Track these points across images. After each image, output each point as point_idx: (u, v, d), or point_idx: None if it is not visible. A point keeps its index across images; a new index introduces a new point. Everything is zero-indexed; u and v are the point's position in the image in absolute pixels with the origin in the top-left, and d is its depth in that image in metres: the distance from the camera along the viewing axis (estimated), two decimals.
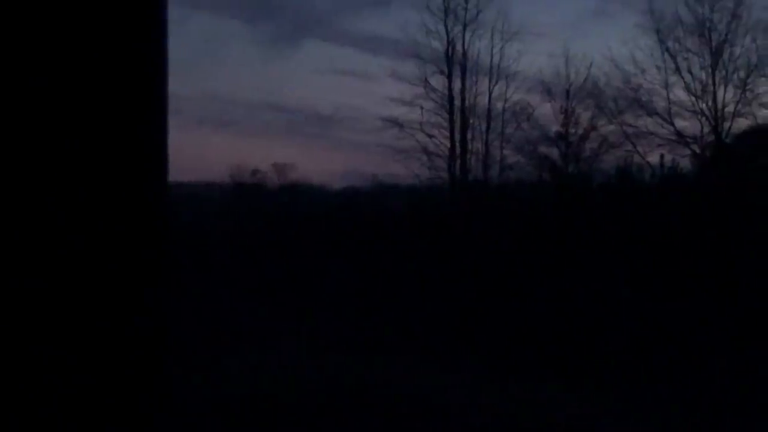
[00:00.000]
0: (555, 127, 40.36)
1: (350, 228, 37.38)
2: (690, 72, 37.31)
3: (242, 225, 39.51)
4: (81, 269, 1.83)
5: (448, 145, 41.45)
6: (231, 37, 69.19)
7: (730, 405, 18.14)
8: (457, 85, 41.50)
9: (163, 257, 1.98)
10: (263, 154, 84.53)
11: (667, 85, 37.70)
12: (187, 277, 28.99)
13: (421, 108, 40.96)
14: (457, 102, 41.42)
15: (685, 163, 38.51)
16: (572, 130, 39.92)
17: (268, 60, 66.80)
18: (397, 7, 71.25)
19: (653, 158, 38.39)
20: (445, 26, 41.26)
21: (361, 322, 28.68)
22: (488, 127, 41.55)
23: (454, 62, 41.36)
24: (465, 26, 41.28)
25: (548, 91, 40.15)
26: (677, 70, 37.42)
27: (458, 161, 41.48)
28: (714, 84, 36.99)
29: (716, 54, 36.90)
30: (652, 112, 37.85)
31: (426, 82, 41.05)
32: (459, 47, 41.40)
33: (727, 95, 37.02)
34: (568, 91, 39.90)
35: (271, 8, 64.11)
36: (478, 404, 18.80)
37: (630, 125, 38.30)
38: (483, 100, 41.70)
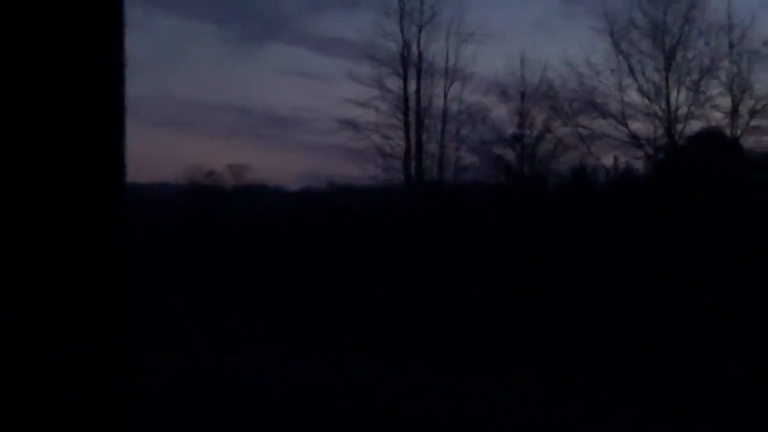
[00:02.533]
0: (510, 129, 40.56)
1: (306, 229, 37.30)
2: (644, 74, 37.57)
3: (197, 226, 39.33)
4: (39, 270, 1.83)
5: (404, 146, 41.55)
6: (194, 37, 69.17)
7: (687, 404, 18.27)
8: (412, 86, 41.60)
9: (121, 257, 1.98)
10: (221, 155, 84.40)
11: (621, 88, 37.95)
12: (140, 278, 28.77)
13: (376, 109, 41.05)
14: (413, 103, 41.49)
15: (639, 165, 38.80)
16: (527, 132, 40.11)
17: (229, 61, 66.74)
18: (362, 9, 71.53)
19: (607, 160, 38.67)
20: (401, 28, 41.33)
21: (319, 323, 28.64)
22: (443, 129, 41.66)
23: (409, 64, 41.44)
24: (420, 28, 41.37)
25: (503, 93, 40.33)
26: (631, 72, 37.66)
27: (413, 162, 41.56)
28: (667, 86, 37.28)
29: (669, 56, 37.18)
30: (606, 114, 38.07)
31: (381, 84, 41.13)
32: (414, 49, 41.50)
33: (680, 97, 37.35)
34: (523, 93, 40.08)
35: (236, 9, 64.09)
36: (431, 400, 18.86)
37: (584, 127, 38.50)
38: (438, 102, 41.83)
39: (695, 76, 37.14)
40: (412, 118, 41.45)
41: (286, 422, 17.09)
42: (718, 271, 27.87)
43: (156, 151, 57.89)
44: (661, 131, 37.49)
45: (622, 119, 37.80)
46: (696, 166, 36.45)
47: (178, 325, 27.67)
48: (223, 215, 40.49)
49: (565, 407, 18.38)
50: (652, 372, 21.40)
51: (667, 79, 37.25)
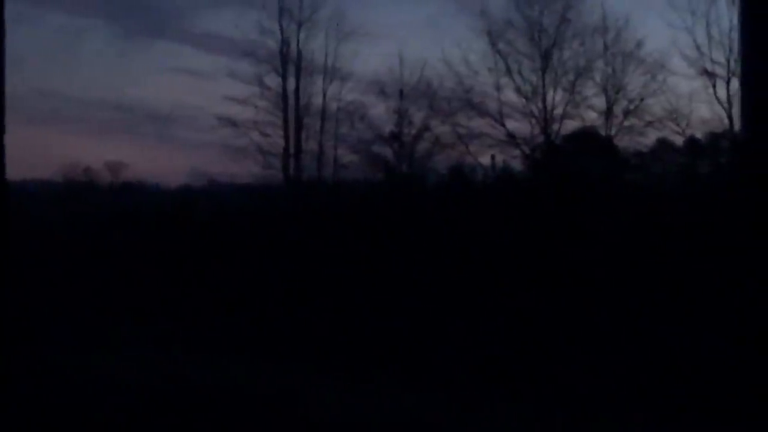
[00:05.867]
0: (389, 127, 40.68)
1: (182, 227, 37.00)
2: (521, 74, 37.94)
3: (73, 223, 38.77)
4: None
5: (283, 144, 41.39)
6: (81, 34, 68.37)
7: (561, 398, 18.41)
8: (292, 84, 41.49)
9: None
10: (100, 152, 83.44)
11: (498, 87, 38.26)
12: (16, 277, 28.26)
13: (255, 107, 40.86)
14: (292, 101, 41.38)
15: (516, 164, 39.19)
16: (405, 131, 40.27)
17: (113, 58, 66.05)
18: (247, 6, 71.14)
19: (485, 159, 38.97)
20: (280, 25, 41.18)
21: (189, 322, 28.42)
22: (322, 127, 41.63)
23: (289, 61, 41.31)
24: (300, 25, 41.26)
25: (382, 92, 40.44)
26: (508, 72, 37.99)
27: (292, 160, 41.44)
28: (544, 86, 37.72)
29: (546, 57, 37.63)
30: (484, 113, 38.34)
31: (261, 81, 40.93)
32: (294, 46, 41.38)
33: (556, 97, 37.80)
34: (401, 92, 40.23)
35: (124, 6, 63.43)
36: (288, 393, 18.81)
37: (462, 126, 38.75)
38: (317, 100, 41.78)
39: (571, 76, 37.69)
40: (291, 116, 41.36)
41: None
42: (594, 266, 28.27)
43: (34, 148, 56.95)
44: (537, 131, 37.91)
45: (499, 118, 38.14)
46: (571, 166, 36.93)
47: (44, 323, 27.25)
48: (98, 212, 39.93)
49: (433, 404, 18.42)
50: (534, 367, 21.55)
51: (543, 79, 37.71)
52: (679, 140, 37.20)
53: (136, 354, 24.19)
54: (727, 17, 34.93)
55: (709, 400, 16.03)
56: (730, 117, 34.66)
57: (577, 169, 36.63)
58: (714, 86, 35.07)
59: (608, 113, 37.06)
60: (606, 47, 37.27)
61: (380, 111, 41.29)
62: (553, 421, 16.07)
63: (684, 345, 21.06)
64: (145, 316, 29.37)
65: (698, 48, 35.28)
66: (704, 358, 19.40)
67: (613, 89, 37.09)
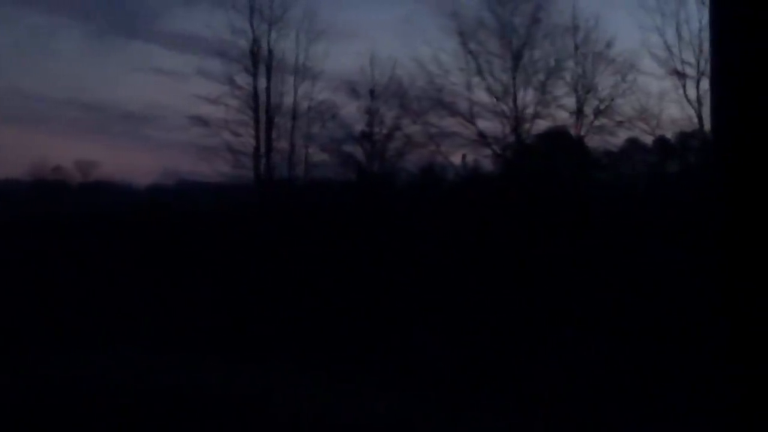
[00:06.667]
0: (360, 127, 40.74)
1: (156, 227, 36.92)
2: (492, 74, 38.00)
3: (46, 223, 38.60)
4: None
5: (254, 143, 41.33)
6: (55, 33, 67.85)
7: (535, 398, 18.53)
8: (263, 83, 41.44)
9: None
10: (72, 152, 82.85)
11: (469, 87, 38.31)
12: None
13: (226, 106, 40.76)
14: (263, 100, 41.33)
15: (487, 163, 39.31)
16: (377, 130, 40.32)
17: (87, 57, 65.58)
18: (218, 5, 71.04)
19: (456, 158, 39.06)
20: (251, 24, 41.11)
21: (158, 322, 28.36)
22: (293, 126, 41.58)
23: (259, 61, 41.27)
24: (271, 25, 41.23)
25: (353, 91, 40.49)
26: (479, 71, 38.05)
27: (263, 160, 41.40)
28: (514, 86, 37.78)
29: (517, 57, 37.73)
30: (455, 113, 38.39)
31: (232, 81, 40.86)
32: (265, 45, 41.35)
33: (527, 97, 37.88)
34: (372, 91, 40.28)
35: (99, 5, 62.98)
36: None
37: (433, 125, 38.77)
38: (288, 99, 41.74)
39: (541, 76, 37.76)
40: (262, 115, 41.29)
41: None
42: (567, 265, 28.45)
43: (6, 147, 56.63)
44: (508, 130, 37.99)
45: (470, 118, 38.16)
46: (542, 165, 37.11)
47: (21, 325, 27.14)
48: (69, 212, 39.77)
49: (399, 403, 18.51)
50: (516, 366, 21.65)
51: (514, 79, 37.78)
52: (649, 140, 37.49)
53: (116, 355, 24.16)
54: (697, 17, 35.13)
55: (691, 399, 16.21)
56: (699, 117, 34.83)
57: (548, 169, 36.84)
58: (684, 86, 35.22)
59: (579, 113, 37.17)
60: (576, 47, 37.40)
61: (351, 110, 41.35)
62: (536, 420, 16.22)
63: (661, 342, 21.26)
64: (122, 317, 29.28)
65: (668, 48, 35.47)
66: (682, 356, 19.60)
67: (583, 89, 37.23)
